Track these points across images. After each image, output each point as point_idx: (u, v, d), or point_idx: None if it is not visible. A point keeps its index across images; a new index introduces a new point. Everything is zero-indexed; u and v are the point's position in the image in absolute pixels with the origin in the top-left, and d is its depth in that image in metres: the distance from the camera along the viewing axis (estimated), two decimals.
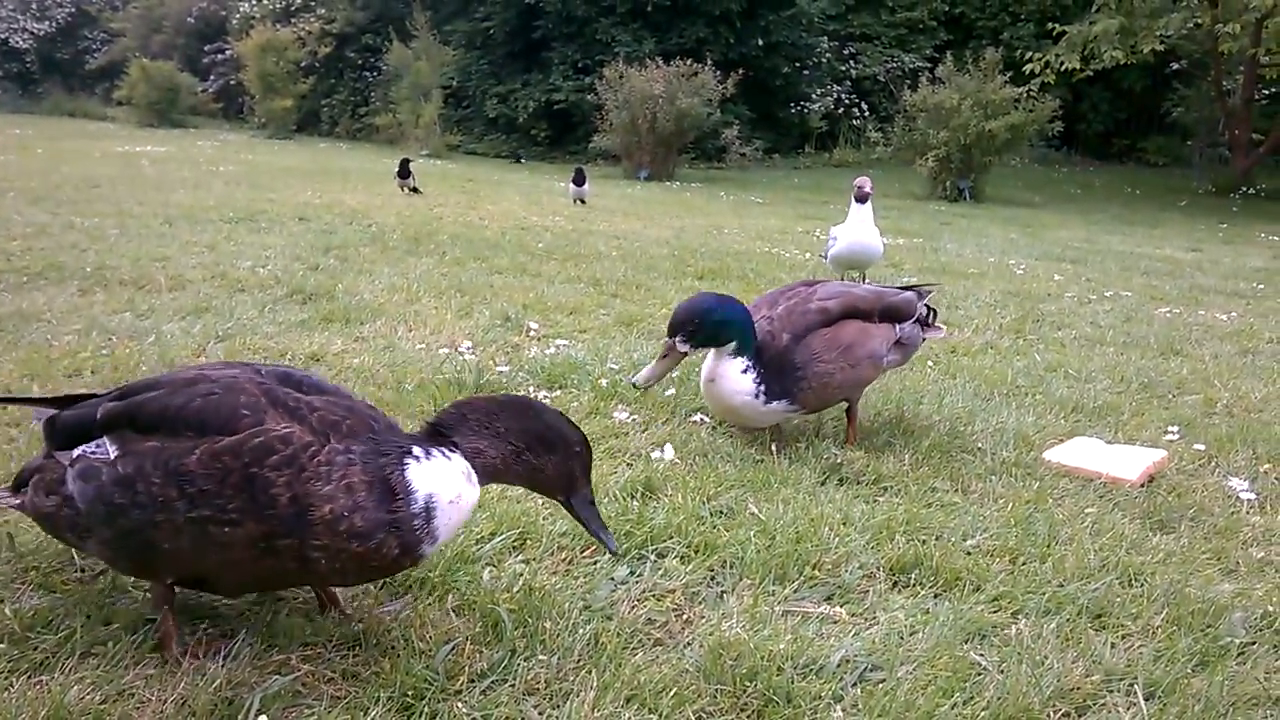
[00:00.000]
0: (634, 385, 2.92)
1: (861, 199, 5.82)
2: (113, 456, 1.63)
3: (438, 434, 1.70)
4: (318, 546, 1.56)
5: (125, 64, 28.86)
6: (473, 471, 1.69)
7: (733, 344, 2.84)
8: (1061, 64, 20.17)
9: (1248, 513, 2.71)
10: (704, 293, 2.90)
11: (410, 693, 1.62)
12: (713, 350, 2.88)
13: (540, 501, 2.44)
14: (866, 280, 6.05)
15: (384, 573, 1.68)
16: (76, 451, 1.68)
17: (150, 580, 1.76)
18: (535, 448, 1.73)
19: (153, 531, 1.59)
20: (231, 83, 29.90)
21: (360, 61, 28.58)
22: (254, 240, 6.50)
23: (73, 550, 1.95)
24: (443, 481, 1.63)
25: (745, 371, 2.84)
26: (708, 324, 2.79)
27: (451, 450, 1.67)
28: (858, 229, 5.86)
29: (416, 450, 1.64)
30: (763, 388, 2.84)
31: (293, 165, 15.35)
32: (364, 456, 1.60)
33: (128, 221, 6.92)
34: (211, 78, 31.27)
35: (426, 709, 1.59)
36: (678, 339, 2.80)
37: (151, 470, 1.58)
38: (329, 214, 8.41)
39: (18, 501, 1.79)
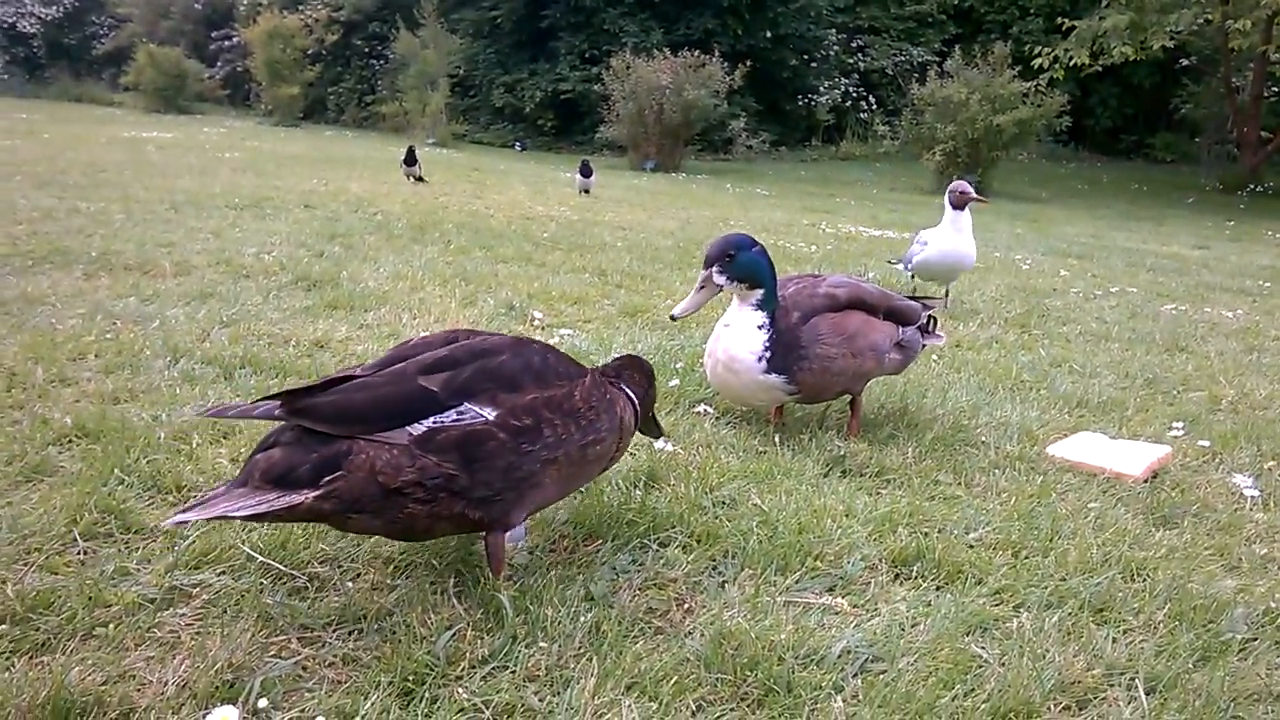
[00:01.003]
0: (672, 317, 2.95)
1: (960, 205, 5.30)
2: (493, 416, 1.81)
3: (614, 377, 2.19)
4: (618, 450, 2.11)
5: (132, 50, 28.86)
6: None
7: (760, 292, 2.86)
8: (1070, 59, 20.11)
9: (1251, 509, 2.71)
10: (747, 236, 2.90)
11: (411, 678, 1.62)
12: (736, 300, 2.91)
13: None
14: (949, 295, 5.79)
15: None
16: (422, 426, 1.75)
17: (503, 524, 1.88)
18: (652, 385, 2.30)
19: (547, 466, 1.88)
20: (238, 69, 29.93)
21: (367, 49, 28.58)
22: (259, 227, 6.50)
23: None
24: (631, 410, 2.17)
25: (761, 328, 2.86)
26: (742, 257, 2.82)
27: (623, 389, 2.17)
28: (954, 237, 5.31)
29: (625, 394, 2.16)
30: (768, 354, 2.86)
31: (298, 153, 15.35)
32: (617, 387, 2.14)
33: (133, 207, 6.92)
34: (218, 64, 31.30)
35: (427, 694, 1.59)
36: (714, 269, 2.83)
37: (548, 414, 1.88)
38: (334, 201, 8.41)
39: (317, 493, 1.67)
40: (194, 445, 2.51)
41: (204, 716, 1.49)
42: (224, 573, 1.93)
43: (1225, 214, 16.68)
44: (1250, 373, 4.45)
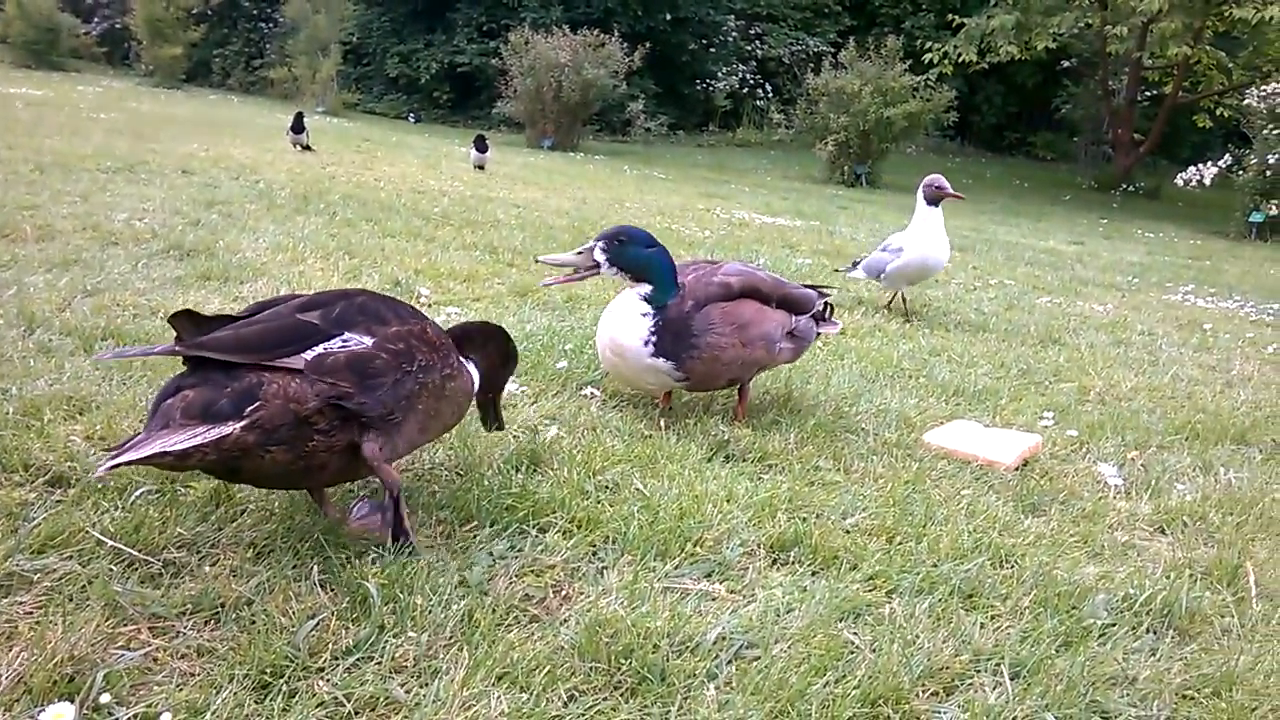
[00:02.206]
0: (535, 259, 2.91)
1: (934, 200, 4.94)
2: (370, 342, 1.93)
3: (459, 344, 2.25)
4: (467, 397, 2.22)
5: None
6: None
7: (647, 288, 2.84)
8: (959, 55, 20.72)
9: (1114, 498, 2.81)
10: (642, 230, 2.89)
11: (268, 670, 1.55)
12: (626, 287, 2.89)
13: (417, 472, 2.38)
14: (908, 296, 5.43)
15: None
16: (312, 353, 1.85)
17: (391, 448, 1.97)
18: (506, 362, 2.39)
19: (421, 391, 2.00)
20: (117, 26, 28.47)
21: (255, 11, 27.54)
22: (132, 192, 6.19)
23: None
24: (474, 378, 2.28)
25: (645, 315, 2.84)
26: (632, 250, 2.80)
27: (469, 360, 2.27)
28: (930, 240, 4.92)
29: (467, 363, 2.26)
30: (655, 339, 2.84)
31: (179, 116, 14.70)
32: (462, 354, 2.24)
33: None
34: (95, 20, 29.70)
35: (285, 687, 1.52)
36: (599, 244, 2.80)
37: (415, 343, 2.01)
38: (215, 168, 8.07)
39: (242, 424, 1.73)
40: (45, 421, 2.36)
41: (38, 713, 1.39)
42: (70, 558, 1.81)
43: (1099, 212, 17.41)
44: (1117, 365, 4.63)
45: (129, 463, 1.64)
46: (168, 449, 1.65)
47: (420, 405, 2.01)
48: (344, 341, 1.90)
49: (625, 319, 2.85)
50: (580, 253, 2.84)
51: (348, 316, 1.95)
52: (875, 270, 5.16)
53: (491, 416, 2.45)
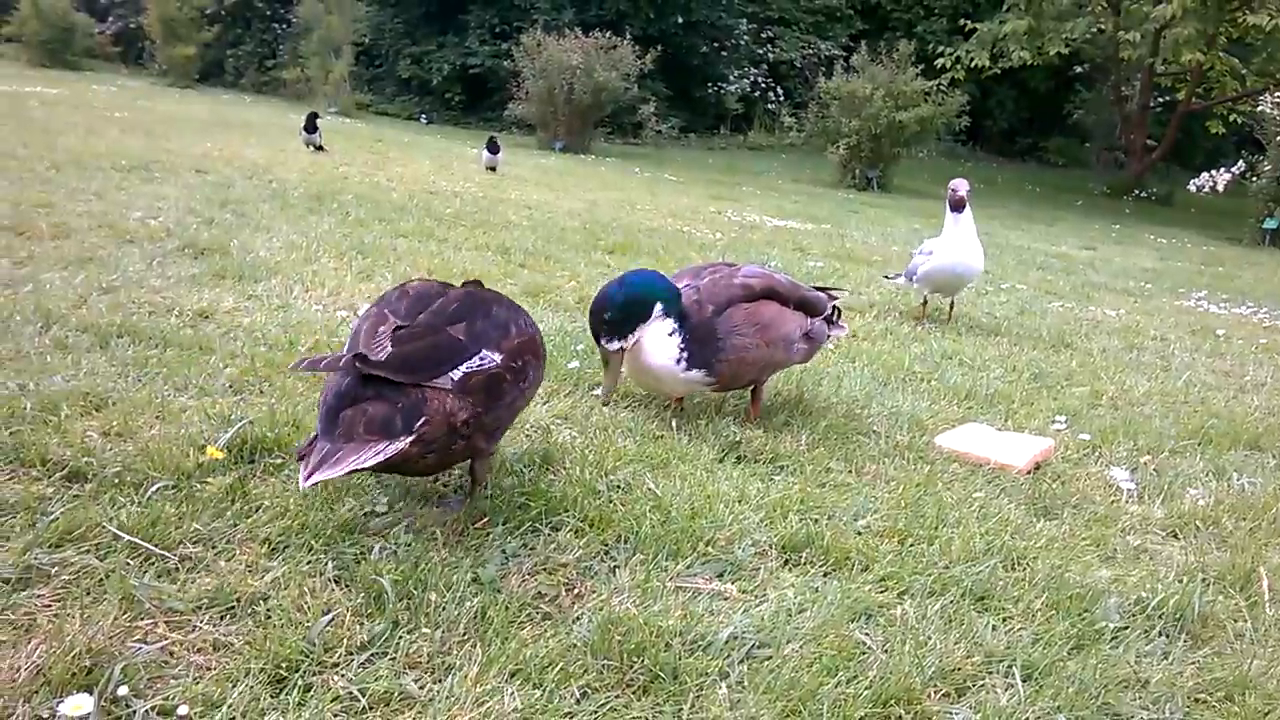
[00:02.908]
0: (603, 403, 2.92)
1: (958, 206, 4.87)
2: (499, 360, 2.07)
3: None
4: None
5: None
6: None
7: (658, 307, 2.81)
8: (971, 60, 20.67)
9: (1127, 502, 2.81)
10: (606, 285, 2.83)
11: (284, 664, 1.56)
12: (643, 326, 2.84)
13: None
14: (954, 307, 5.45)
15: None
16: (459, 373, 2.00)
17: (490, 450, 2.17)
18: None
19: (521, 400, 2.17)
20: (131, 26, 28.58)
21: (269, 12, 27.59)
22: (146, 190, 6.22)
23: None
24: None
25: (671, 335, 2.82)
26: (618, 312, 2.74)
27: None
28: (960, 245, 4.87)
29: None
30: (686, 354, 2.83)
31: (193, 115, 14.76)
32: None
33: (10, 165, 6.55)
34: (110, 19, 29.84)
35: (300, 681, 1.53)
36: (604, 342, 2.76)
37: (527, 355, 2.16)
38: (228, 167, 8.11)
39: (412, 438, 1.90)
40: (62, 417, 2.37)
41: (58, 704, 1.41)
42: (87, 552, 1.82)
43: (1112, 217, 17.35)
44: (1130, 370, 4.62)
45: (327, 478, 1.82)
46: (359, 466, 1.83)
47: (518, 408, 2.20)
48: (481, 359, 2.04)
49: (653, 342, 2.82)
50: (609, 365, 2.80)
51: (485, 333, 2.08)
52: (910, 274, 5.17)
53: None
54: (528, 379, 2.17)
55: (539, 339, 2.25)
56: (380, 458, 1.84)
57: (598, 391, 2.97)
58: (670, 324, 2.83)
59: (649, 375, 2.90)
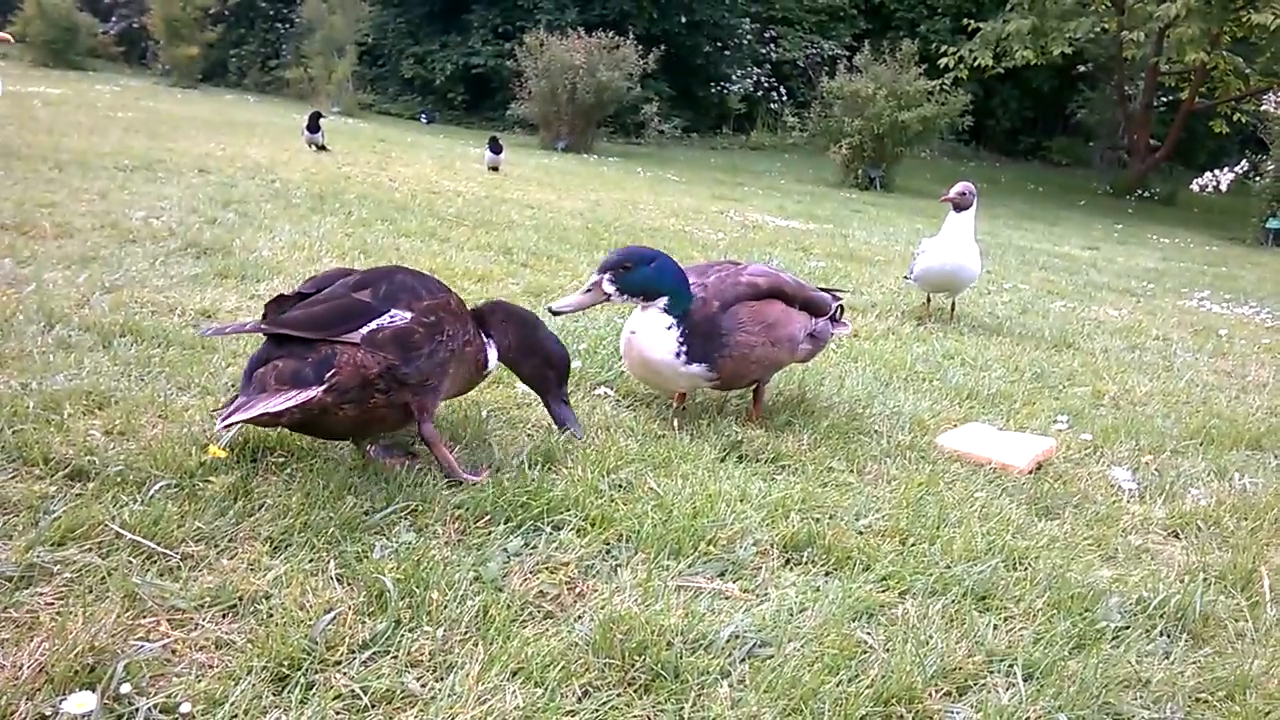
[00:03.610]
0: (550, 310, 2.88)
1: (961, 207, 4.92)
2: (410, 317, 2.24)
3: (480, 319, 2.56)
4: (478, 367, 2.50)
5: None
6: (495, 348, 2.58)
7: (663, 299, 2.82)
8: (974, 60, 20.65)
9: (1128, 502, 2.80)
10: (647, 248, 2.87)
11: (286, 663, 1.56)
12: (640, 302, 2.86)
13: (437, 470, 2.39)
14: (955, 308, 5.46)
15: (475, 385, 2.63)
16: (367, 329, 2.19)
17: (431, 407, 2.32)
18: (521, 349, 2.63)
19: (450, 357, 2.32)
20: (134, 26, 28.64)
21: (272, 11, 27.64)
22: (149, 190, 6.23)
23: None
24: (493, 355, 2.57)
25: (670, 329, 2.82)
26: (640, 273, 2.77)
27: (488, 337, 2.57)
28: (953, 245, 4.93)
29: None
30: (685, 348, 2.83)
31: (196, 115, 14.78)
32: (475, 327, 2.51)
33: (13, 164, 6.56)
34: (113, 19, 29.88)
35: (303, 679, 1.54)
36: (605, 276, 2.77)
37: (443, 315, 2.32)
38: (231, 167, 8.12)
39: (323, 388, 2.11)
40: (65, 416, 2.38)
41: (60, 702, 1.41)
42: (90, 550, 1.83)
43: (1114, 217, 17.34)
44: (1132, 370, 4.62)
45: (240, 422, 2.06)
46: (269, 410, 2.04)
47: (450, 369, 2.34)
48: (390, 317, 2.22)
49: (650, 335, 2.83)
50: (589, 290, 2.80)
51: (392, 294, 2.26)
52: (910, 271, 5.26)
53: (554, 417, 2.72)
54: (444, 334, 2.30)
55: (454, 304, 2.40)
56: (292, 403, 2.05)
57: (554, 304, 2.88)
58: (669, 319, 2.83)
59: (649, 369, 2.90)
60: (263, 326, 2.17)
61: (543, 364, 2.66)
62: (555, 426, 2.72)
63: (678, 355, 2.83)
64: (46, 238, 4.44)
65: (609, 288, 2.78)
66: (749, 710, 1.60)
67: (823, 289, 3.35)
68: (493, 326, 2.59)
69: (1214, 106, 22.41)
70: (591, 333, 3.88)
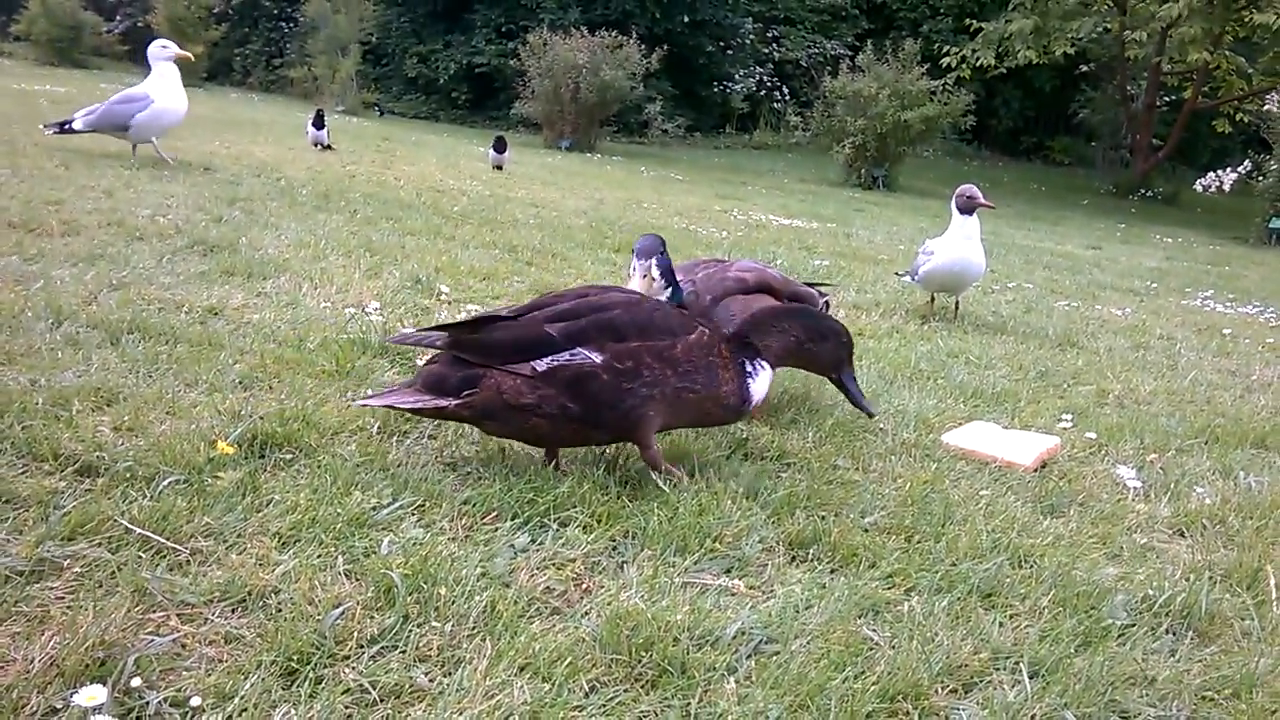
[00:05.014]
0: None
1: (967, 210, 4.97)
2: (599, 360, 2.27)
3: (744, 342, 2.53)
4: (717, 405, 2.45)
5: None
6: (768, 364, 2.55)
7: (668, 293, 2.83)
8: (977, 59, 20.63)
9: (1133, 500, 2.81)
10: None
11: (295, 657, 1.57)
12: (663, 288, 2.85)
13: (444, 466, 2.40)
14: (959, 306, 5.49)
15: (733, 422, 2.62)
16: (542, 364, 2.27)
17: (635, 439, 2.40)
18: (814, 338, 2.60)
19: (648, 401, 2.33)
20: (139, 25, 28.61)
21: (276, 10, 27.66)
22: (155, 188, 6.23)
23: None
24: (761, 384, 2.53)
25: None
26: (666, 258, 2.79)
27: (755, 356, 2.52)
28: (961, 245, 4.97)
29: (748, 364, 2.52)
30: None
31: (201, 114, 14.75)
32: (734, 356, 2.49)
33: (20, 162, 6.57)
34: (118, 18, 29.90)
35: (311, 674, 1.54)
36: (653, 261, 2.75)
37: (649, 359, 2.31)
38: (236, 165, 8.13)
39: (457, 402, 2.26)
40: (74, 412, 2.39)
41: (71, 695, 1.42)
42: (99, 545, 1.83)
43: (1117, 217, 17.33)
44: (1136, 368, 4.62)
45: (371, 406, 2.36)
46: (396, 405, 2.31)
47: (652, 411, 2.35)
48: (572, 355, 2.28)
49: None
50: (644, 275, 2.76)
51: (587, 333, 2.29)
52: (914, 272, 5.27)
53: (850, 399, 2.69)
54: (642, 379, 2.31)
55: (682, 347, 2.36)
56: (419, 406, 2.28)
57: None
58: None
59: None
60: (438, 343, 2.34)
61: (836, 346, 2.63)
62: (855, 407, 2.69)
63: None
64: (53, 235, 4.45)
65: (655, 273, 2.77)
66: (755, 706, 1.60)
67: (809, 284, 3.37)
68: (767, 339, 2.55)
69: (1217, 106, 22.38)
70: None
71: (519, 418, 2.27)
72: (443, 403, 2.26)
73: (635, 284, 2.82)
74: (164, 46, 7.36)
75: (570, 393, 2.26)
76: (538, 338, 2.29)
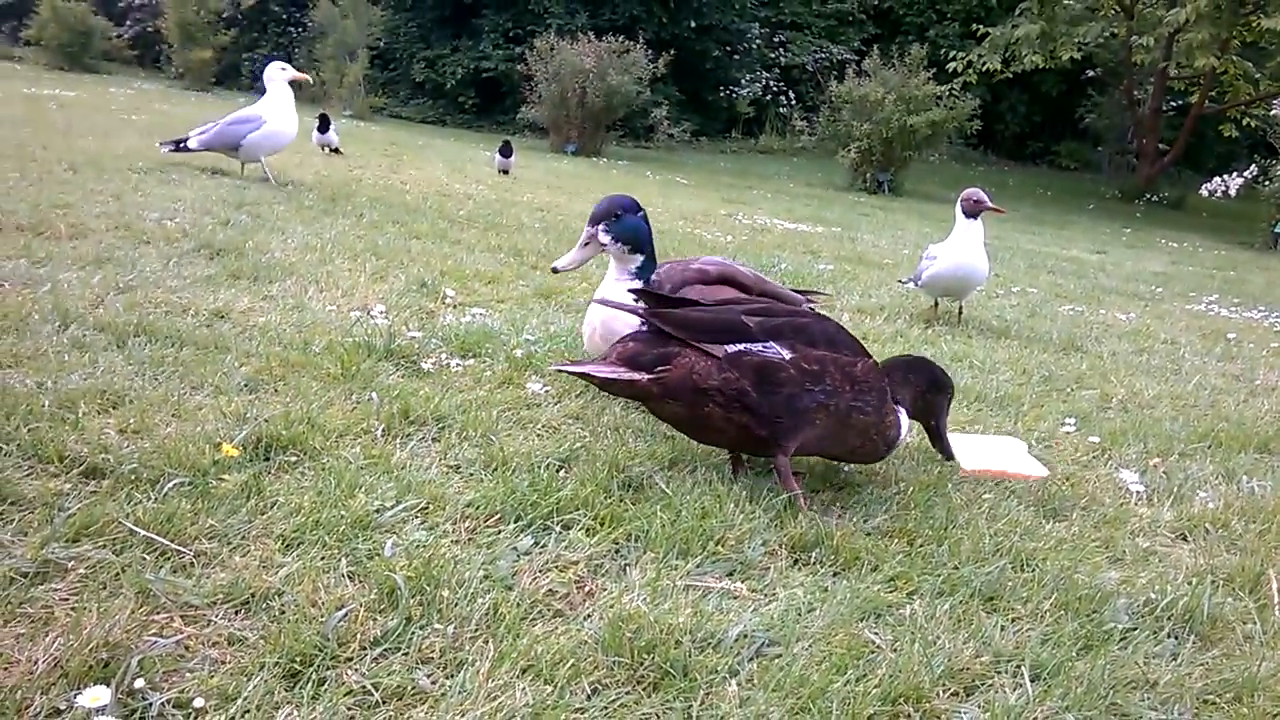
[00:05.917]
0: (554, 270, 3.02)
1: (972, 213, 4.98)
2: (788, 356, 2.35)
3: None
4: (879, 434, 2.48)
5: (35, 1, 27.48)
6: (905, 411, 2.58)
7: (639, 259, 2.92)
8: (983, 64, 20.61)
9: (1136, 504, 2.81)
10: (625, 195, 2.98)
11: (298, 659, 1.58)
12: (612, 266, 2.96)
13: (448, 469, 2.41)
14: (962, 311, 5.50)
15: (880, 459, 2.61)
16: (734, 348, 2.33)
17: (782, 447, 2.39)
18: (933, 389, 2.64)
19: (820, 409, 2.37)
20: (149, 30, 28.75)
21: (285, 15, 27.76)
22: (163, 192, 6.26)
23: None
24: (907, 423, 2.59)
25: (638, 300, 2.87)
26: (627, 220, 2.88)
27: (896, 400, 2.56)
28: (964, 249, 4.97)
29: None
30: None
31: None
32: (893, 397, 2.53)
33: (29, 165, 6.60)
34: (128, 23, 30.02)
35: (314, 675, 1.55)
36: (600, 227, 2.87)
37: (833, 369, 2.38)
38: (244, 170, 8.14)
39: (650, 378, 2.34)
40: (80, 414, 2.40)
41: (75, 696, 1.43)
42: (104, 546, 1.84)
43: (1123, 221, 17.31)
44: (1140, 373, 4.61)
45: (567, 372, 2.48)
46: (593, 374, 2.40)
47: (817, 420, 2.38)
48: (765, 347, 2.35)
49: (618, 299, 2.88)
50: (585, 243, 2.91)
51: (782, 330, 2.38)
52: (917, 277, 5.30)
53: (935, 443, 2.72)
54: (822, 387, 2.36)
55: (861, 371, 2.43)
56: (614, 377, 2.36)
57: (556, 263, 3.07)
58: (636, 282, 2.92)
59: (609, 338, 2.90)
60: (641, 311, 2.43)
61: (948, 399, 2.69)
62: (939, 451, 2.73)
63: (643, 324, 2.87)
64: (61, 238, 4.47)
65: (604, 238, 2.89)
66: (757, 709, 1.61)
67: (800, 291, 3.37)
68: (900, 389, 2.58)
69: (1223, 111, 22.33)
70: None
71: (700, 401, 2.33)
72: (636, 376, 2.34)
73: (575, 251, 2.89)
74: (283, 69, 7.46)
75: (754, 380, 2.31)
76: (736, 324, 2.36)
